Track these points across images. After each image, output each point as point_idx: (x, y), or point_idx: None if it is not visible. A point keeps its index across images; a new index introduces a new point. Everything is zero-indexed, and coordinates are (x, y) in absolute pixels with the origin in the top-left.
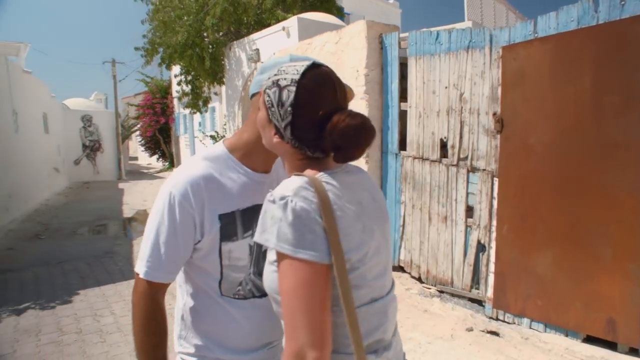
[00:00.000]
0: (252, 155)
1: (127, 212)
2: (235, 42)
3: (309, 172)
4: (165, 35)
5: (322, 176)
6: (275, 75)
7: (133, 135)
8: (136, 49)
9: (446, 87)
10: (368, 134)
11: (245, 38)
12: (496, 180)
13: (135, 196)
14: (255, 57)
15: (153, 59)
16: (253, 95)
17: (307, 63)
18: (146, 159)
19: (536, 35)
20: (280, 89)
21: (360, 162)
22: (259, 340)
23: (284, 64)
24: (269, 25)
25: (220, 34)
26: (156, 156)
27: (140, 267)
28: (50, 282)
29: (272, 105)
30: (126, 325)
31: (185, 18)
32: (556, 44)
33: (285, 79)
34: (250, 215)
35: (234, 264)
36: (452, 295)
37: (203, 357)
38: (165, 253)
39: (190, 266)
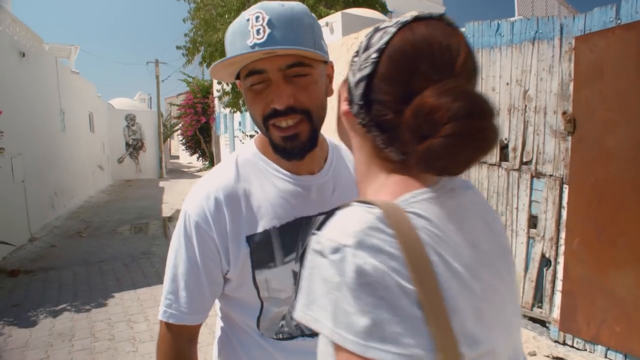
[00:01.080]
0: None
1: (167, 211)
2: None
3: (387, 191)
4: (207, 33)
5: (407, 201)
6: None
7: (174, 135)
8: (178, 47)
9: (507, 84)
10: (481, 130)
11: None
12: (566, 188)
13: (175, 195)
14: None
15: (194, 58)
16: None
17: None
18: (187, 158)
19: (619, 21)
20: (376, 30)
21: None
22: None
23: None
24: None
25: None
26: (196, 155)
27: (160, 307)
28: (88, 282)
29: (357, 54)
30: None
31: (227, 16)
32: None
33: (390, 24)
34: (292, 233)
35: (275, 296)
36: None
37: None
38: (185, 288)
39: (224, 297)
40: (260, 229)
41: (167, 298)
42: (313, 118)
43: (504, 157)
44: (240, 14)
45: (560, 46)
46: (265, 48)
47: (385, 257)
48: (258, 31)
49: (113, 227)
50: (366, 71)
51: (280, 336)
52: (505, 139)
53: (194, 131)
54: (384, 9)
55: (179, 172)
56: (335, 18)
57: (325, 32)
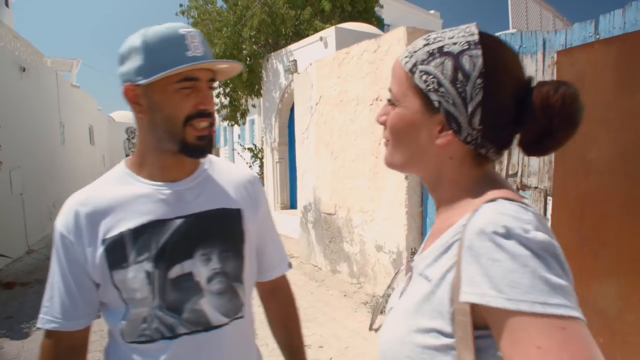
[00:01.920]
0: (149, 164)
1: None
2: (272, 53)
3: (511, 195)
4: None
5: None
6: (426, 44)
7: None
8: None
9: None
10: (582, 109)
11: (283, 49)
12: (550, 200)
13: None
14: (292, 68)
15: None
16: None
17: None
18: None
19: (598, 37)
20: (454, 55)
21: (399, 179)
22: None
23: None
24: (307, 36)
25: (258, 45)
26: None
27: (39, 315)
28: None
29: (441, 85)
30: None
31: (224, 30)
32: (622, 45)
33: (452, 42)
34: (147, 235)
35: (132, 296)
36: None
37: None
38: (58, 295)
39: (101, 306)
40: (115, 232)
41: (44, 306)
42: (214, 124)
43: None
44: (235, 28)
45: (544, 60)
46: (207, 61)
47: (549, 234)
48: (196, 46)
49: None
50: (479, 97)
51: (142, 339)
52: None
53: None
54: (379, 23)
55: None
56: (329, 33)
57: (319, 46)
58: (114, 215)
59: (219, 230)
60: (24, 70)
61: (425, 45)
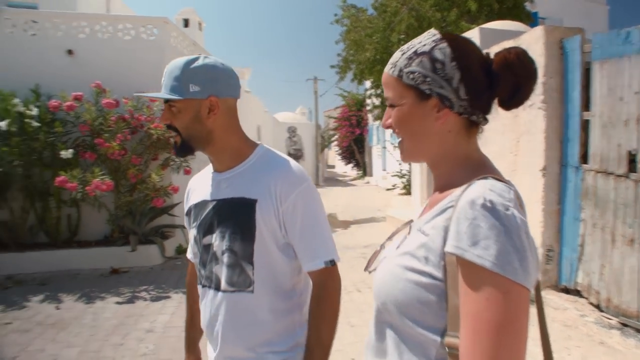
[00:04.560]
0: (212, 158)
1: None
2: None
3: (497, 175)
4: (357, 53)
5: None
6: (402, 53)
7: (331, 145)
8: (332, 66)
9: (636, 93)
10: (534, 61)
11: None
12: None
13: (329, 200)
14: None
15: (346, 75)
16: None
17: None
18: (342, 167)
19: None
20: (427, 53)
21: (537, 176)
22: (210, 338)
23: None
24: None
25: None
26: (351, 165)
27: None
28: None
29: (426, 76)
30: None
31: (374, 37)
32: None
33: (422, 45)
34: (197, 209)
35: (194, 250)
36: (638, 331)
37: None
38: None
39: None
40: (190, 204)
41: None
42: (182, 134)
43: (632, 168)
44: (384, 33)
45: None
46: (144, 94)
47: (524, 216)
48: (164, 79)
49: None
50: (458, 75)
51: (200, 283)
52: (634, 150)
53: (349, 142)
54: (529, 19)
55: (334, 180)
56: (473, 33)
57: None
58: (193, 192)
59: (234, 215)
60: None
61: (402, 54)
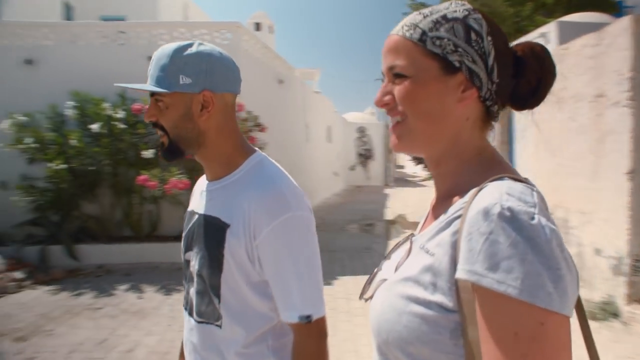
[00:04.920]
0: (203, 164)
1: (389, 215)
2: None
3: (514, 174)
4: None
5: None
6: (425, 16)
7: None
8: None
9: None
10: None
11: None
12: None
13: (398, 201)
14: None
15: None
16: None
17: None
18: (412, 168)
19: None
20: (462, 20)
21: (622, 180)
22: None
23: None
24: (528, 33)
25: None
26: (421, 165)
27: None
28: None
29: (457, 46)
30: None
31: None
32: None
33: (452, 11)
34: (187, 219)
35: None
36: None
37: None
38: None
39: None
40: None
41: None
42: (169, 134)
43: None
44: None
45: None
46: (143, 85)
47: (552, 220)
48: (150, 69)
49: (343, 224)
50: (493, 53)
51: (184, 305)
52: None
53: None
54: (613, 9)
55: (403, 181)
56: (550, 27)
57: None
58: (192, 197)
59: (206, 237)
60: (281, 82)
61: (425, 17)
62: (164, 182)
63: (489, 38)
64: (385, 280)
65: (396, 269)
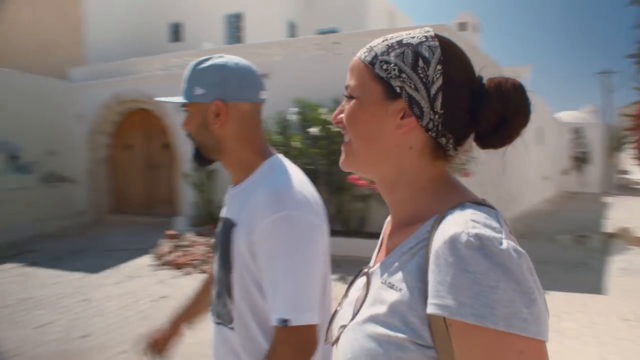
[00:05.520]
0: (227, 170)
1: (609, 227)
2: None
3: (469, 195)
4: None
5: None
6: (385, 40)
7: (625, 148)
8: (629, 56)
9: None
10: (530, 102)
11: None
12: None
13: (620, 212)
14: None
15: None
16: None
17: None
18: (639, 174)
19: None
20: (413, 45)
21: None
22: None
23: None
24: None
25: None
26: None
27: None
28: None
29: (402, 71)
30: (587, 335)
31: None
32: None
33: (410, 36)
34: (219, 227)
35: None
36: None
37: None
38: None
39: None
40: None
41: None
42: (194, 141)
43: None
44: None
45: None
46: (172, 98)
47: (516, 241)
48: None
49: (553, 234)
50: (439, 82)
51: (212, 317)
52: None
53: None
54: None
55: (627, 189)
56: None
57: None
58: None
59: (222, 238)
60: None
61: (383, 40)
62: (373, 182)
63: (439, 67)
64: (352, 319)
65: (359, 308)
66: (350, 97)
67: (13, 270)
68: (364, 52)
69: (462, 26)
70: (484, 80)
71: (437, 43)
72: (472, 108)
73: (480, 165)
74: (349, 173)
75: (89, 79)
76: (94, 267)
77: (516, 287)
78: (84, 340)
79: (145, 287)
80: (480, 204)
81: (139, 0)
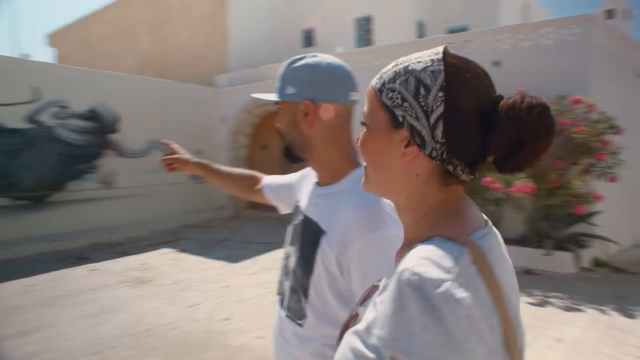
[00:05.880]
0: (314, 169)
1: None
2: None
3: (458, 228)
4: None
5: (476, 238)
6: (395, 66)
7: None
8: None
9: None
10: (554, 122)
11: None
12: None
13: None
14: None
15: None
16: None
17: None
18: None
19: None
20: (416, 73)
21: None
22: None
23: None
24: None
25: None
26: None
27: None
28: None
29: (404, 100)
30: None
31: None
32: None
33: (417, 61)
34: (295, 212)
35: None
36: None
37: None
38: None
39: None
40: (297, 197)
41: None
42: (284, 138)
43: None
44: None
45: None
46: (267, 95)
47: (476, 291)
48: None
49: None
50: (440, 110)
51: (277, 294)
52: None
53: None
54: None
55: None
56: None
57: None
58: (302, 186)
59: (304, 239)
60: None
61: (393, 66)
62: (509, 185)
63: (440, 94)
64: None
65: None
66: (363, 124)
67: (169, 255)
68: (376, 79)
69: (610, 13)
70: (502, 100)
71: (441, 67)
72: (486, 131)
73: (628, 169)
74: (483, 176)
75: (231, 85)
76: (234, 257)
77: (444, 332)
78: (225, 322)
79: None
80: (451, 238)
81: (275, 11)
